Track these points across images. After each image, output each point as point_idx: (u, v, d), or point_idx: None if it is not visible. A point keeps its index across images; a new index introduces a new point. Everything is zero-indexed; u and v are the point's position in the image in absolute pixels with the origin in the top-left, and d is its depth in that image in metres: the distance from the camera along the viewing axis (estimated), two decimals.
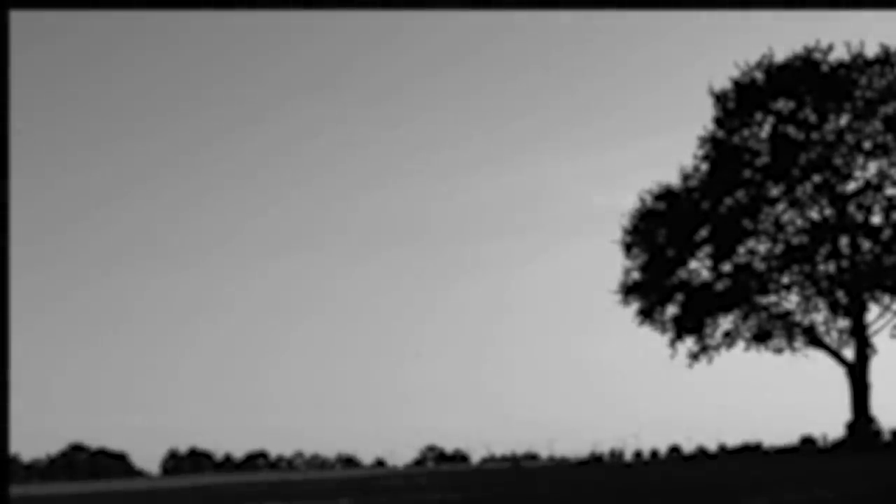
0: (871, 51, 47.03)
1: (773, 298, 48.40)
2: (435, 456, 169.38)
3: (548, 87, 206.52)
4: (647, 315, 49.41)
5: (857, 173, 46.97)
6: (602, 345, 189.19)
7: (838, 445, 50.55)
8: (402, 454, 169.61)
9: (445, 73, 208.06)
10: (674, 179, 49.52)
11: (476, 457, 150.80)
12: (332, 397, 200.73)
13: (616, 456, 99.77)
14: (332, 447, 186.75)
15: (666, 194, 49.32)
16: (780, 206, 47.73)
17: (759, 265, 47.96)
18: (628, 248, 49.87)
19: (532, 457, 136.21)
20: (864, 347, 46.91)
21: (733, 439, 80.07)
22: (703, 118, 50.52)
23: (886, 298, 46.94)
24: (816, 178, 47.01)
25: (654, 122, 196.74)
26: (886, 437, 49.30)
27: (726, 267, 48.40)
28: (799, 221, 47.75)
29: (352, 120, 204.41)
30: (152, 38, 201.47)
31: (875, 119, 46.51)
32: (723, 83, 48.37)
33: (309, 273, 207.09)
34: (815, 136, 46.92)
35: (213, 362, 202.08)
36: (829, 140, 46.74)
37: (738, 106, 47.80)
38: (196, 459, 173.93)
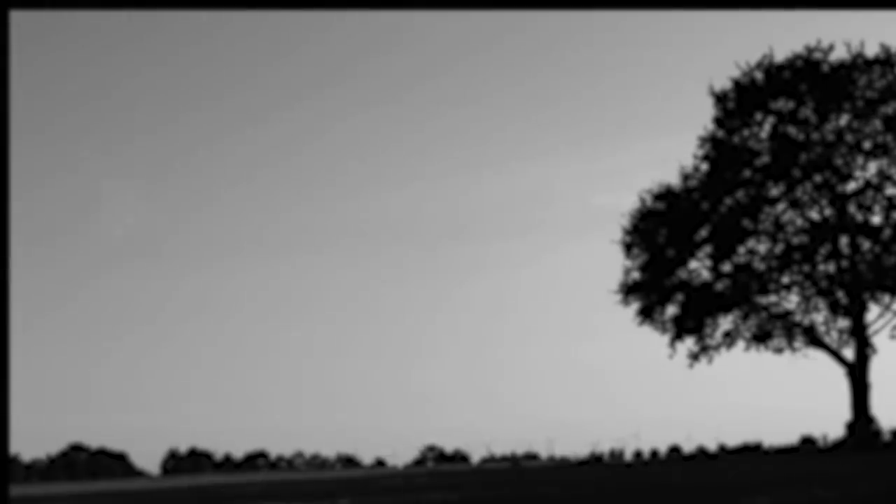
0: (871, 51, 47.12)
1: (773, 298, 48.44)
2: (435, 456, 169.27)
3: (548, 88, 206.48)
4: (647, 315, 49.45)
5: (857, 173, 47.04)
6: (602, 345, 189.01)
7: (838, 445, 50.61)
8: (402, 454, 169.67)
9: (446, 73, 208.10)
10: (674, 179, 49.62)
11: (476, 457, 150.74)
12: (332, 397, 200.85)
13: (616, 456, 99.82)
14: (332, 447, 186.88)
15: (666, 194, 49.36)
16: (780, 206, 47.77)
17: (759, 265, 47.99)
18: (628, 248, 49.91)
19: (532, 457, 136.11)
20: (864, 347, 46.93)
21: (733, 439, 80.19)
22: (703, 118, 50.64)
23: (886, 298, 46.98)
24: (816, 178, 47.04)
25: (655, 123, 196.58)
26: (886, 437, 49.35)
27: (726, 267, 48.43)
28: (799, 221, 47.79)
29: (353, 120, 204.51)
30: (152, 38, 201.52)
31: (875, 119, 46.56)
32: (723, 83, 48.46)
33: (309, 273, 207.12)
34: (815, 136, 46.96)
35: (214, 362, 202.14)
36: (829, 140, 46.77)
37: (738, 106, 47.84)
38: (196, 459, 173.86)
